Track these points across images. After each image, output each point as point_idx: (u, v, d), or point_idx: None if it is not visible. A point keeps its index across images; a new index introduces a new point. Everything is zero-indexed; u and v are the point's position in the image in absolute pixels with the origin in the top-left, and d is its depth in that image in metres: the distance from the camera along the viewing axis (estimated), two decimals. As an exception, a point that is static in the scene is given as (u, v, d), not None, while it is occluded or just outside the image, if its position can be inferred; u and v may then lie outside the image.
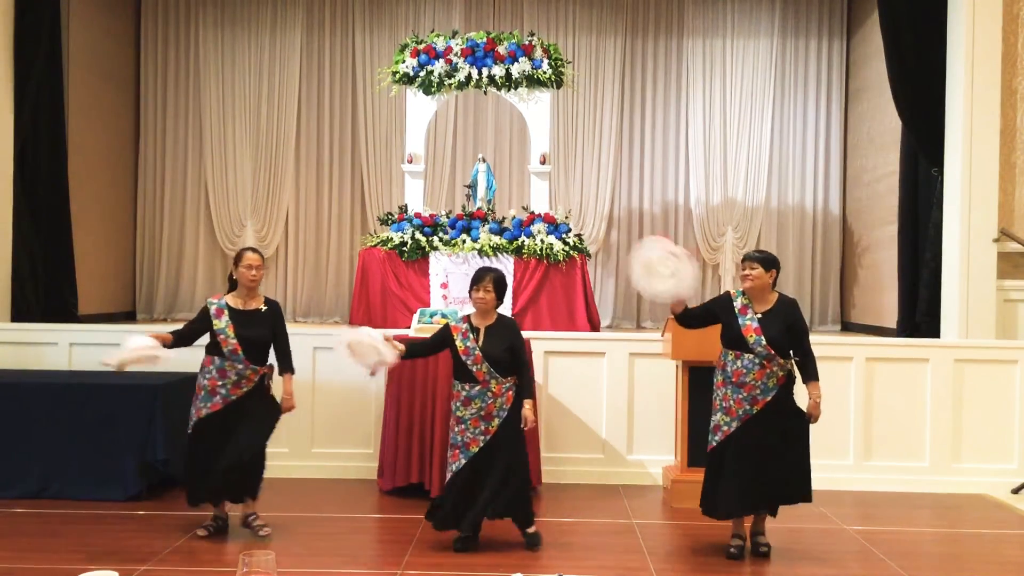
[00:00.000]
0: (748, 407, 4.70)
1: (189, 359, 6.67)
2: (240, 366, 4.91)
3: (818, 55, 10.86)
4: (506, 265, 7.87)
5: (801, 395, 4.78)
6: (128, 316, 10.43)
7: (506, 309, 5.01)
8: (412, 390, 6.09)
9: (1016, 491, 6.35)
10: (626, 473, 6.61)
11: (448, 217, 8.32)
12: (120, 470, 5.86)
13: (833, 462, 6.41)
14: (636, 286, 4.82)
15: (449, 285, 7.92)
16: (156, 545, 4.84)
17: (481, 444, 4.77)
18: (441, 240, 8.02)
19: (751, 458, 4.69)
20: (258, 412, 4.99)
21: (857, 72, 10.56)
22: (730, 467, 4.72)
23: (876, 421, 6.64)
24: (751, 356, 4.70)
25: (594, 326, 7.90)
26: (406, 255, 7.96)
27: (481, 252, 7.91)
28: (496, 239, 7.97)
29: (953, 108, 7.42)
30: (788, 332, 4.73)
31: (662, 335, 6.41)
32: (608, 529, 5.01)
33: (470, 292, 4.96)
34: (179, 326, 5.17)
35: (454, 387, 4.89)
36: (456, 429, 4.84)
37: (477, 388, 4.78)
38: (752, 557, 4.79)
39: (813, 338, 4.92)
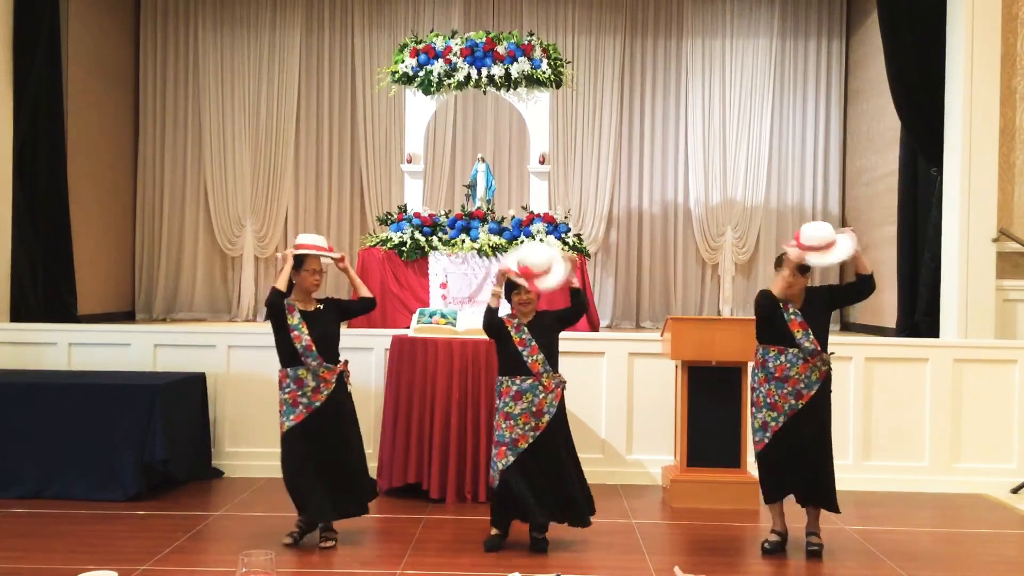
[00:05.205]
0: (794, 401, 4.76)
1: (189, 360, 6.76)
2: (315, 363, 4.85)
3: (817, 55, 10.85)
4: (505, 265, 7.86)
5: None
6: (127, 316, 10.42)
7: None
8: (411, 390, 6.09)
9: (1015, 491, 6.36)
10: (625, 473, 6.62)
11: (447, 217, 8.31)
12: (120, 470, 5.87)
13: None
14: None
15: (448, 285, 7.92)
16: (156, 545, 4.84)
17: (531, 440, 4.76)
18: (440, 240, 8.01)
19: (799, 451, 4.75)
20: (352, 418, 5.07)
21: (856, 72, 10.56)
22: (782, 461, 4.78)
23: (875, 421, 6.65)
24: (795, 351, 4.77)
25: (593, 326, 7.89)
26: (405, 255, 7.96)
27: (480, 252, 7.90)
28: (495, 239, 7.97)
29: (952, 108, 7.42)
30: (832, 303, 5.04)
31: (661, 335, 6.41)
32: (607, 529, 5.00)
33: (510, 298, 4.93)
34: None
35: (501, 384, 4.85)
36: (504, 425, 4.80)
37: (529, 382, 4.77)
38: (808, 557, 4.82)
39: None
